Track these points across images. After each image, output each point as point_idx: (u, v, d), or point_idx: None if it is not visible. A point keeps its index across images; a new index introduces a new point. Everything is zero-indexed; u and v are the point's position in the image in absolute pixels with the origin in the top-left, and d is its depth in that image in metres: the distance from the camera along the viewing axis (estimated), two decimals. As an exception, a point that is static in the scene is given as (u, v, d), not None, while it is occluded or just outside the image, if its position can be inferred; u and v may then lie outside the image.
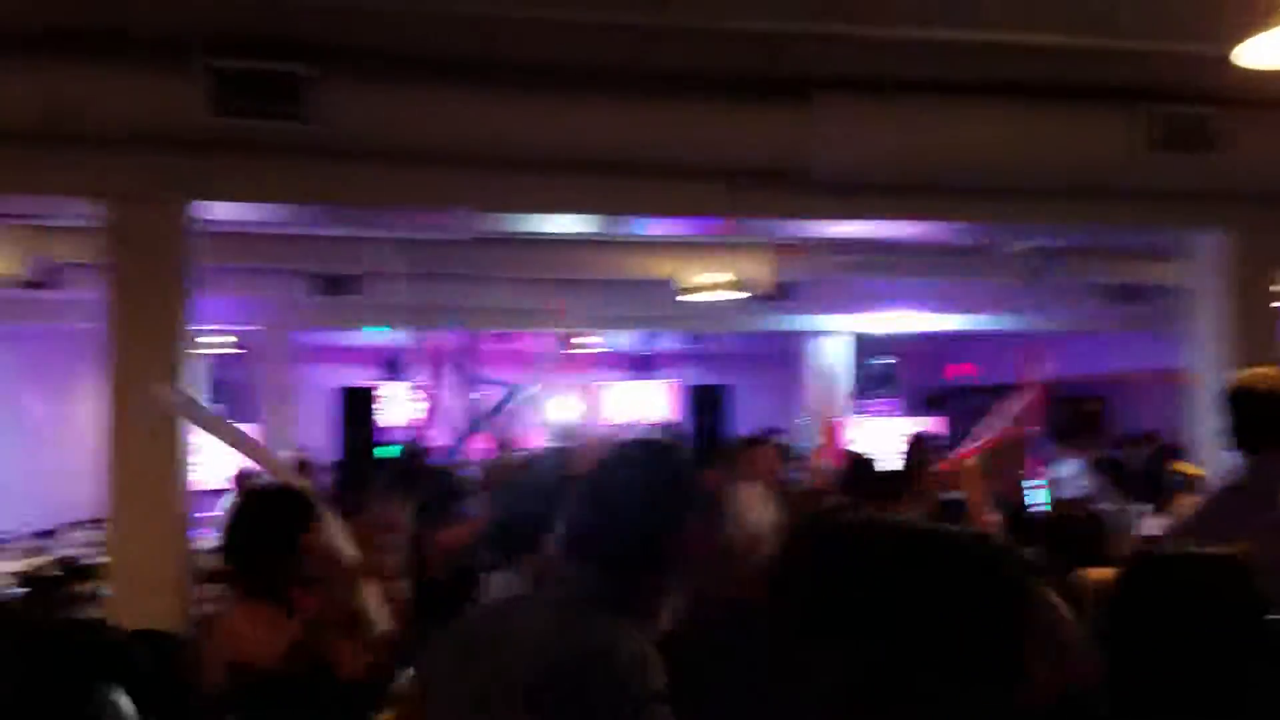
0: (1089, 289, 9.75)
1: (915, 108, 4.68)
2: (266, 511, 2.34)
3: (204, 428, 4.13)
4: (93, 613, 5.42)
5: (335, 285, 8.72)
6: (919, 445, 5.95)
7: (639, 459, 1.99)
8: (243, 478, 7.08)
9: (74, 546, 8.98)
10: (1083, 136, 4.82)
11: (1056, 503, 6.56)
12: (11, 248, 6.82)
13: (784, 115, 4.70)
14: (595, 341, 13.03)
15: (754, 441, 5.94)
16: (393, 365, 13.27)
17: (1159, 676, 1.73)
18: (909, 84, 4.62)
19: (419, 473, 6.00)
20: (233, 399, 12.23)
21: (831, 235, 6.89)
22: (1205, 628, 1.74)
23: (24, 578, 4.12)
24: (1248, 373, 3.47)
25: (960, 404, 15.22)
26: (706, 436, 11.54)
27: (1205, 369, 5.66)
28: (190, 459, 4.79)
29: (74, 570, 7.34)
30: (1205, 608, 1.76)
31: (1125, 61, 4.38)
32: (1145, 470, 8.14)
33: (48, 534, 9.93)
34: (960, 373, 14.99)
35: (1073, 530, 3.94)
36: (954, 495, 4.86)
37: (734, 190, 5.09)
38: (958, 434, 8.95)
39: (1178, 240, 6.06)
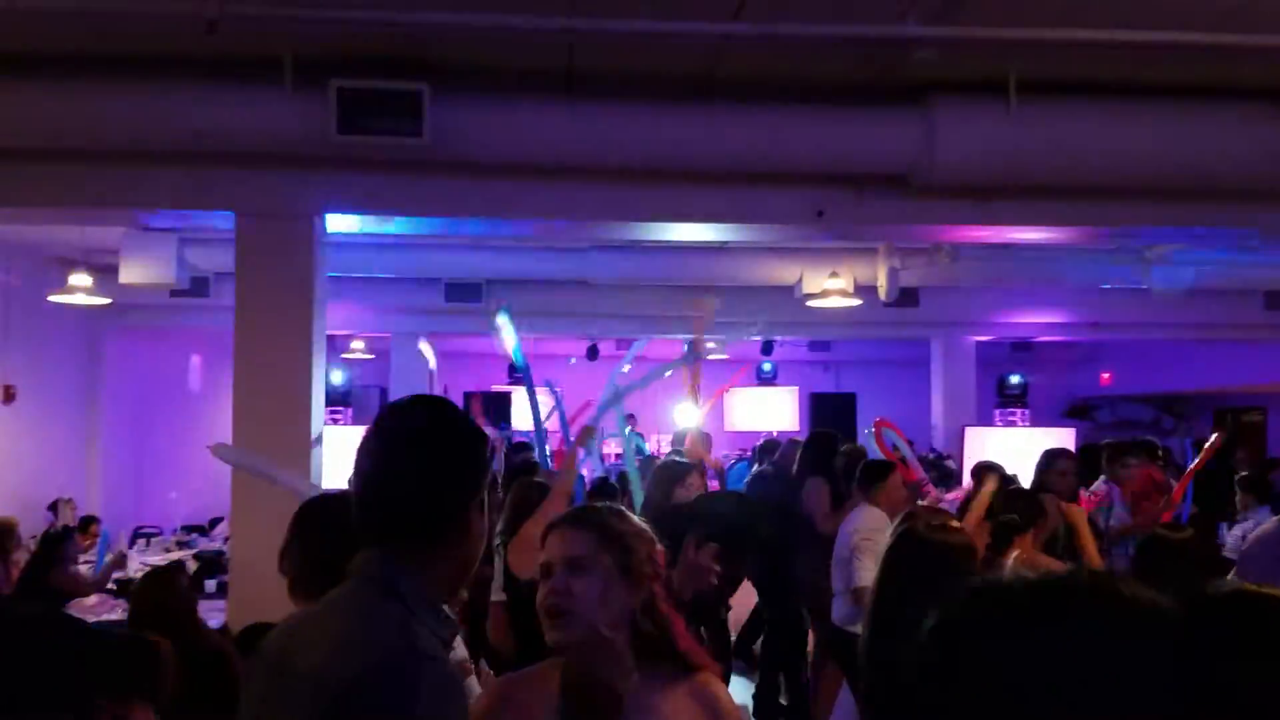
0: (1241, 295, 9.23)
1: (1039, 109, 4.52)
2: (329, 520, 2.33)
3: (261, 477, 4.30)
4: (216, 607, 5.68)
5: (463, 292, 8.95)
6: (1054, 464, 5.62)
7: (415, 414, 1.68)
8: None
9: (220, 541, 9.44)
10: (1225, 135, 4.57)
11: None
12: (160, 257, 7.19)
13: (905, 119, 4.61)
14: (718, 349, 13.00)
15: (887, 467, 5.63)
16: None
17: None
18: (1032, 84, 4.46)
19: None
20: (367, 404, 12.68)
21: (957, 239, 6.72)
22: None
23: (146, 574, 4.38)
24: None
25: (1103, 415, 14.66)
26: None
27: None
28: (314, 464, 4.97)
29: (206, 563, 7.70)
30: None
31: (1270, 57, 4.13)
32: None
33: (199, 529, 10.46)
34: (1108, 382, 14.41)
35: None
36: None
37: (859, 195, 5.03)
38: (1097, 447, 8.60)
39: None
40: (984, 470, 5.60)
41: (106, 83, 4.40)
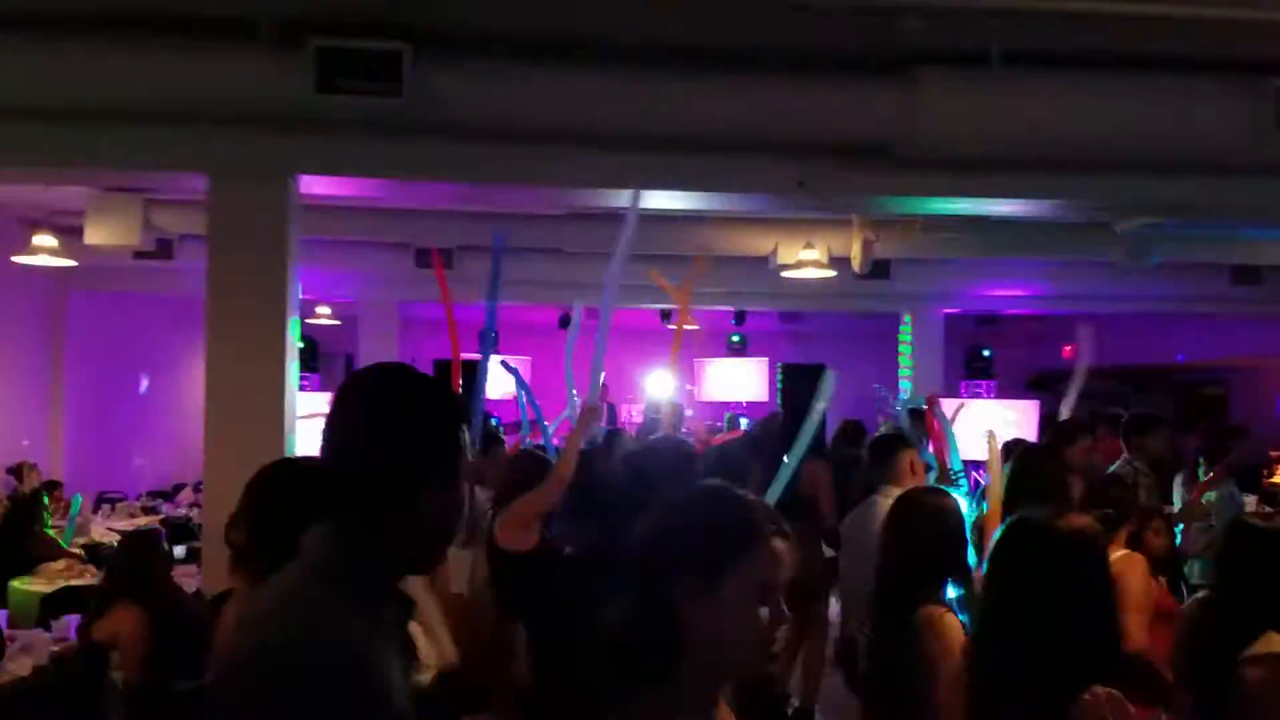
0: (1210, 269, 9.34)
1: (1021, 82, 4.52)
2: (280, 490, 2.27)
3: None
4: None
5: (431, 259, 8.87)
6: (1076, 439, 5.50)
7: (369, 382, 1.60)
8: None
9: (185, 507, 9.36)
10: (1201, 112, 4.60)
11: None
12: (126, 219, 7.06)
13: (887, 91, 4.59)
14: (690, 319, 12.97)
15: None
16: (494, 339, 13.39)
17: None
18: (1014, 57, 4.46)
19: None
20: (333, 370, 12.56)
21: (935, 212, 6.74)
22: None
23: (124, 536, 4.31)
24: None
25: (1065, 388, 14.83)
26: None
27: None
28: (287, 429, 4.92)
29: (174, 529, 7.64)
30: None
31: (1251, 34, 4.16)
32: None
33: (163, 495, 10.36)
34: (1071, 355, 14.57)
35: None
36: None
37: (837, 167, 5.01)
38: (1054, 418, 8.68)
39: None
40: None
41: (78, 40, 4.28)
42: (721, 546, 1.53)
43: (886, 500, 4.67)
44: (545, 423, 6.24)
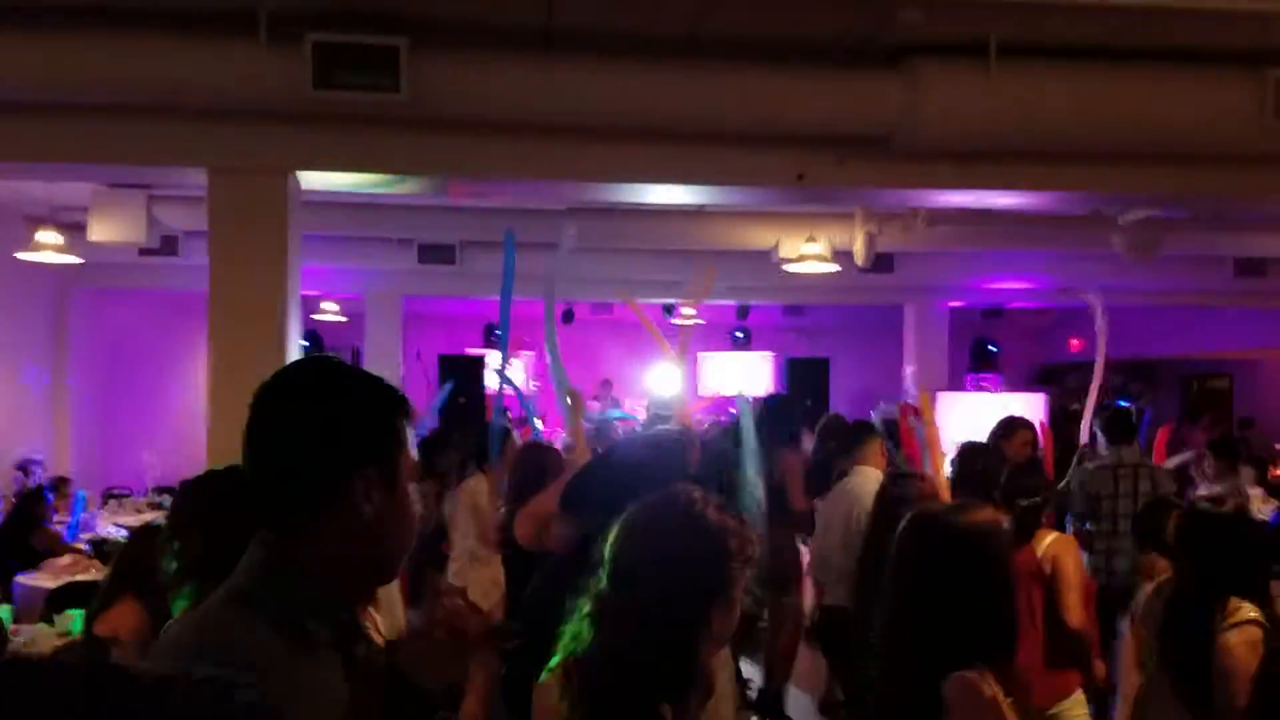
0: (1215, 261, 9.31)
1: (1020, 72, 4.51)
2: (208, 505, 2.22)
3: None
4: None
5: (436, 254, 8.89)
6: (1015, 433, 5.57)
7: (287, 379, 1.48)
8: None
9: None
10: (1202, 102, 4.58)
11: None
12: (130, 215, 7.07)
13: (887, 82, 4.58)
14: (694, 313, 12.98)
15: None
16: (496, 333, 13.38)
17: None
18: (1014, 47, 4.45)
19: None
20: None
21: (937, 204, 6.73)
22: None
23: (132, 531, 4.32)
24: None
25: (1071, 380, 14.79)
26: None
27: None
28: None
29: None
30: None
31: (1250, 24, 4.15)
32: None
33: (170, 490, 10.38)
34: (1077, 349, 14.54)
35: None
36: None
37: (839, 159, 5.00)
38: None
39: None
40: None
41: (75, 35, 4.29)
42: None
43: (856, 479, 5.13)
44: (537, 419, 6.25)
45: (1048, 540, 4.01)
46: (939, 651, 2.08)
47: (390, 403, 1.45)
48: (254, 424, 1.41)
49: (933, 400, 9.91)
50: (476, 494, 5.50)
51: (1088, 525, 5.68)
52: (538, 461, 4.36)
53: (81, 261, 8.23)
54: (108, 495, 9.67)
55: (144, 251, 7.93)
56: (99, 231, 7.10)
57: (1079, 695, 3.97)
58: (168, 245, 8.05)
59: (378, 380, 1.48)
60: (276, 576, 1.36)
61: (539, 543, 3.94)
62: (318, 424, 1.39)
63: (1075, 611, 3.91)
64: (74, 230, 7.64)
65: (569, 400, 4.51)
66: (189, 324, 10.12)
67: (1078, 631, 3.91)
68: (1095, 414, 6.73)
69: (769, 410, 6.42)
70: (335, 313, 12.69)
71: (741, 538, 1.90)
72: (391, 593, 3.35)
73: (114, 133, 4.72)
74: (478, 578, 5.16)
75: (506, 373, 6.46)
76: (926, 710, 2.03)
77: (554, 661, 1.92)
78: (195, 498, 2.24)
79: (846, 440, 5.44)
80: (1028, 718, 3.28)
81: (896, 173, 5.09)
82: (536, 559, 3.92)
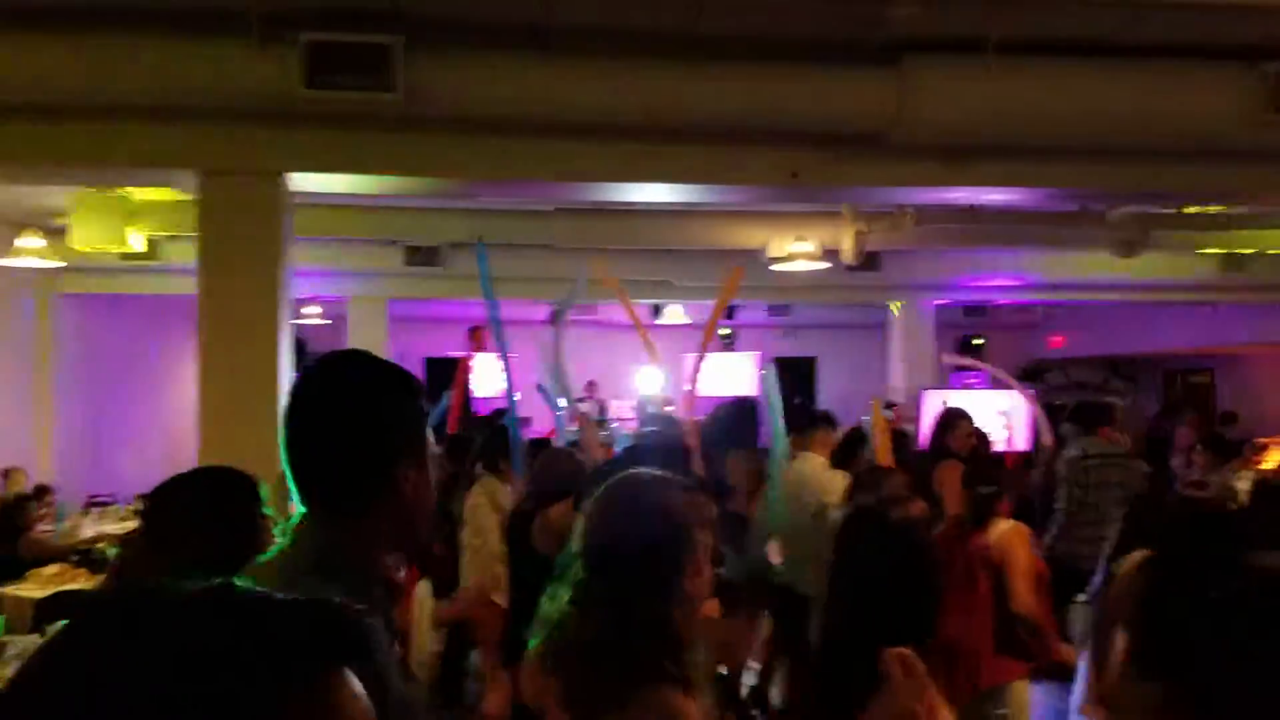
0: (1198, 257, 9.36)
1: (1013, 68, 4.50)
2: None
3: None
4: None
5: (423, 256, 8.82)
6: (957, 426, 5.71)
7: (331, 372, 1.60)
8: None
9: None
10: (1195, 97, 4.59)
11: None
12: (113, 220, 6.99)
13: (879, 79, 4.57)
14: (679, 313, 12.98)
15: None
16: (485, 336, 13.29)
17: None
18: (1007, 43, 4.44)
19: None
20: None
21: (926, 201, 6.73)
22: None
23: (120, 539, 4.26)
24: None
25: (1054, 377, 14.89)
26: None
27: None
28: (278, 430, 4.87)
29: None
30: None
31: (1245, 18, 4.16)
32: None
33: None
34: (1059, 345, 14.62)
35: None
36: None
37: (834, 156, 4.99)
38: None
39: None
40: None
41: (62, 35, 4.22)
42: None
43: (802, 464, 5.55)
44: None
45: (1000, 529, 4.23)
46: (872, 629, 2.19)
47: (418, 390, 1.60)
48: (308, 422, 1.54)
49: (919, 398, 9.99)
50: (494, 494, 5.37)
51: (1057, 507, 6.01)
52: (557, 470, 4.34)
53: (64, 265, 8.12)
54: (91, 502, 9.55)
55: (126, 256, 7.84)
56: (79, 237, 7.01)
57: (1023, 680, 4.16)
58: (150, 249, 7.95)
59: (405, 370, 1.61)
60: (344, 552, 1.47)
61: (561, 552, 3.92)
62: (372, 420, 1.52)
63: (1023, 597, 4.10)
64: (54, 234, 7.55)
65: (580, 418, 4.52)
66: (172, 328, 10.03)
67: (1025, 617, 4.09)
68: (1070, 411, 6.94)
69: (736, 414, 6.31)
70: (318, 316, 12.59)
71: (696, 502, 2.05)
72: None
73: (102, 135, 4.65)
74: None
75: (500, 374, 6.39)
76: (863, 680, 2.12)
77: (534, 643, 2.03)
78: (185, 503, 2.26)
79: (801, 427, 5.86)
80: (970, 696, 3.76)
81: (891, 170, 5.08)
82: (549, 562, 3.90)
